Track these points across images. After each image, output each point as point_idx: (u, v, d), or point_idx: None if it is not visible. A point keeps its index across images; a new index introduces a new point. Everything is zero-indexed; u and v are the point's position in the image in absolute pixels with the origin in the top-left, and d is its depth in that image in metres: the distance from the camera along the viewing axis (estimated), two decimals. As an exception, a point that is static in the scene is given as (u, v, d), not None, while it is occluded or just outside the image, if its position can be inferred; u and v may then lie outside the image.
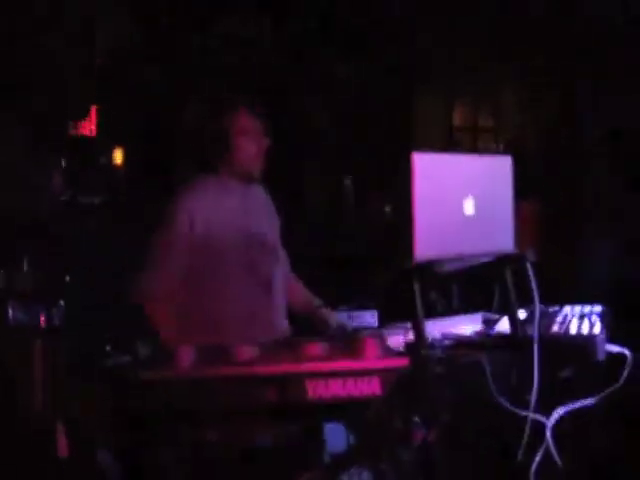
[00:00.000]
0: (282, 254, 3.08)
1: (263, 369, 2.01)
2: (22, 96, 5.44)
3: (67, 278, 4.29)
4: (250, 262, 2.86)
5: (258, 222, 2.94)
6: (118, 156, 6.26)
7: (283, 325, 2.97)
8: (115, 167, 6.21)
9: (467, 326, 2.59)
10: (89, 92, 5.86)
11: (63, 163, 5.75)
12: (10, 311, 3.84)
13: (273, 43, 5.69)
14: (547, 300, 2.43)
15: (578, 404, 2.38)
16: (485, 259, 2.37)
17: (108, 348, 3.43)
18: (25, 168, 5.61)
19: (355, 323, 3.27)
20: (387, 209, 5.07)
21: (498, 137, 5.87)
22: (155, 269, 2.82)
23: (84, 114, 5.80)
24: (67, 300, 3.99)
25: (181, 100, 5.87)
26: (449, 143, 5.53)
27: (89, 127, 5.99)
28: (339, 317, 3.12)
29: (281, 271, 3.00)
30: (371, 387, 1.99)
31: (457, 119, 6.01)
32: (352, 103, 5.68)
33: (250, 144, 2.88)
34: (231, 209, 2.87)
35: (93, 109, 6.10)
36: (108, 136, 6.07)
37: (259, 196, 3.02)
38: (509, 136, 5.76)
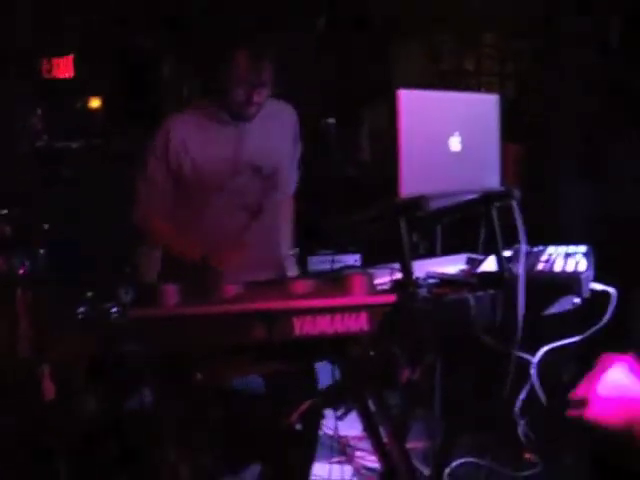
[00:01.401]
0: (288, 179, 3.05)
1: (249, 306, 2.00)
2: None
3: (46, 226, 4.24)
4: (236, 187, 2.85)
5: (255, 149, 2.89)
6: (95, 101, 6.16)
7: (276, 251, 2.97)
8: (92, 111, 6.12)
9: (451, 266, 2.59)
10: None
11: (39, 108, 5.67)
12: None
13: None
14: (531, 241, 2.42)
15: (562, 342, 2.39)
16: (472, 196, 2.36)
17: (90, 294, 3.41)
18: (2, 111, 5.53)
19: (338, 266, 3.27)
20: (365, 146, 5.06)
21: (480, 81, 5.86)
22: (143, 189, 2.89)
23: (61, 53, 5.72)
24: (47, 247, 3.95)
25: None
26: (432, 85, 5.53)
27: (66, 71, 5.89)
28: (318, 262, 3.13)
29: (278, 197, 2.98)
30: (359, 323, 1.98)
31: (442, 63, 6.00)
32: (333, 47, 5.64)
33: (240, 92, 2.79)
34: (217, 136, 2.85)
35: (70, 56, 6.00)
36: (85, 81, 5.98)
37: (267, 121, 2.94)
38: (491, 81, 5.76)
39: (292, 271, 3.06)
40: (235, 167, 2.85)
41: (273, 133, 2.95)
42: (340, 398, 2.14)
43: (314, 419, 2.14)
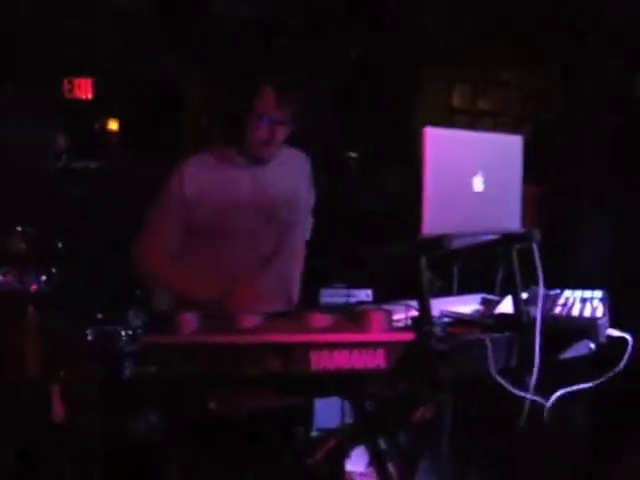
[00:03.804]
0: (303, 224, 3.04)
1: (267, 338, 1.99)
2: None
3: (60, 244, 4.24)
4: (251, 232, 2.83)
5: (271, 194, 2.87)
6: (113, 122, 6.20)
7: (286, 297, 2.95)
8: (110, 132, 6.16)
9: (465, 306, 2.58)
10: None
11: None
12: (1, 277, 3.79)
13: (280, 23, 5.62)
14: (547, 284, 2.42)
15: (578, 387, 2.37)
16: (492, 237, 2.35)
17: (100, 316, 3.41)
18: (28, 130, 5.56)
19: (350, 300, 3.26)
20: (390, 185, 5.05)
21: (497, 121, 5.88)
22: (150, 225, 2.85)
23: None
24: (59, 267, 3.96)
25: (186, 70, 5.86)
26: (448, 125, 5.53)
27: (86, 91, 5.93)
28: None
29: (292, 242, 2.97)
30: (376, 360, 1.97)
31: (457, 101, 6.01)
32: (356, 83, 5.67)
33: (262, 128, 2.75)
34: (234, 181, 2.82)
35: (89, 80, 6.05)
36: (104, 102, 6.02)
37: (282, 167, 2.92)
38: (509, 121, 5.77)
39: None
40: (251, 212, 2.83)
41: (288, 179, 2.93)
42: (359, 436, 2.13)
43: (340, 458, 2.12)
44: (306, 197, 3.03)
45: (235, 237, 2.83)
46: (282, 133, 2.79)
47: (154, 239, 2.83)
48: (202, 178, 2.79)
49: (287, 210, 2.92)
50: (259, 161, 2.83)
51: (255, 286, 2.81)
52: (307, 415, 2.60)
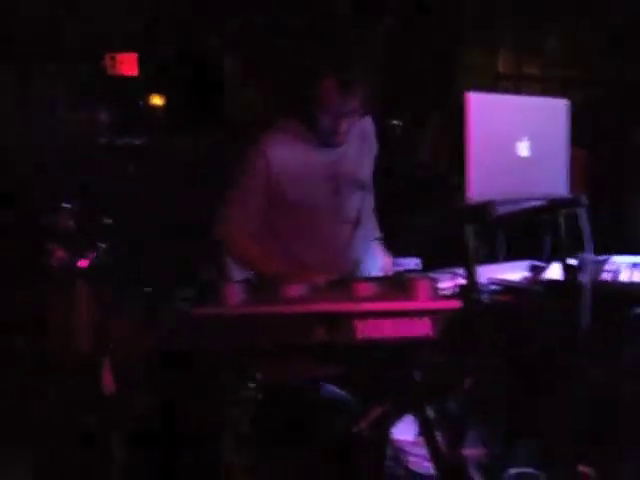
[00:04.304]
0: (371, 188, 3.05)
1: (312, 307, 1.99)
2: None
3: (108, 220, 4.29)
4: (338, 204, 2.84)
5: (350, 167, 2.86)
6: (158, 98, 6.21)
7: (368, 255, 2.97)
8: (155, 108, 6.17)
9: (513, 273, 2.55)
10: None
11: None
12: (52, 253, 3.85)
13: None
14: (595, 249, 2.38)
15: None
16: (539, 202, 2.32)
17: (149, 289, 3.44)
18: (68, 106, 5.61)
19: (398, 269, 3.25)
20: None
21: (544, 86, 5.78)
22: (235, 208, 2.79)
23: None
24: (108, 242, 4.01)
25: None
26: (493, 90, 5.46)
27: (130, 68, 5.94)
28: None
29: (368, 205, 2.98)
30: (423, 328, 1.96)
31: (501, 66, 5.94)
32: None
33: (327, 120, 2.71)
34: (314, 158, 2.80)
35: (133, 55, 6.05)
36: (148, 78, 6.02)
37: (356, 138, 2.87)
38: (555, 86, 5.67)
39: (384, 257, 3.05)
40: (336, 187, 2.82)
41: (362, 148, 2.92)
42: (407, 405, 2.13)
43: (385, 427, 2.13)
44: (373, 160, 3.02)
45: (324, 210, 2.83)
46: (348, 123, 2.75)
47: (243, 223, 2.79)
48: (284, 154, 2.77)
49: (364, 177, 2.91)
50: (330, 145, 2.82)
51: (351, 253, 2.84)
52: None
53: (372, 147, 3.01)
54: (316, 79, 2.69)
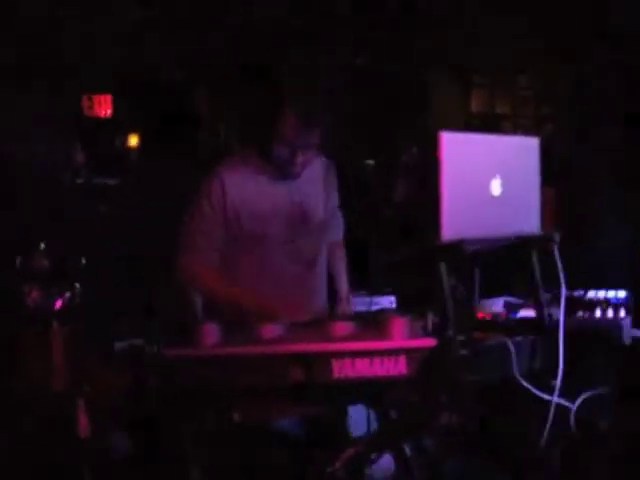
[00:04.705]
0: (334, 226, 3.05)
1: (289, 348, 1.99)
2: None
3: (83, 260, 4.28)
4: (293, 240, 2.83)
5: (305, 201, 2.86)
6: (133, 139, 6.23)
7: (320, 305, 2.95)
8: (129, 149, 6.19)
9: (489, 310, 2.57)
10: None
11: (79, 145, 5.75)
12: (27, 294, 3.83)
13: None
14: (569, 285, 2.40)
15: (602, 389, 2.36)
16: (512, 240, 2.35)
17: (124, 330, 3.43)
18: (44, 146, 5.60)
19: (374, 308, 3.26)
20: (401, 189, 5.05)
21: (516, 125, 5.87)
22: (196, 237, 2.79)
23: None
24: (83, 282, 3.99)
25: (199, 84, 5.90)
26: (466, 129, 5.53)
27: (105, 108, 5.97)
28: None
29: (325, 247, 2.97)
30: (398, 367, 1.97)
31: (474, 106, 6.01)
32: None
33: (284, 152, 2.72)
34: (271, 189, 2.80)
35: (108, 96, 6.08)
36: (123, 119, 6.05)
37: (311, 170, 2.88)
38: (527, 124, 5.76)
39: (350, 308, 3.04)
40: (291, 221, 2.82)
41: (314, 183, 2.91)
42: (383, 444, 2.13)
43: (360, 467, 2.12)
44: (324, 196, 3.01)
45: (278, 244, 2.82)
46: (306, 156, 2.76)
47: (201, 251, 2.78)
48: (242, 183, 2.78)
49: (319, 214, 2.91)
50: (286, 177, 2.82)
51: (302, 293, 2.83)
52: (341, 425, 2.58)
53: (332, 184, 3.00)
54: (277, 111, 2.70)
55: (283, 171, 2.79)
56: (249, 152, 2.85)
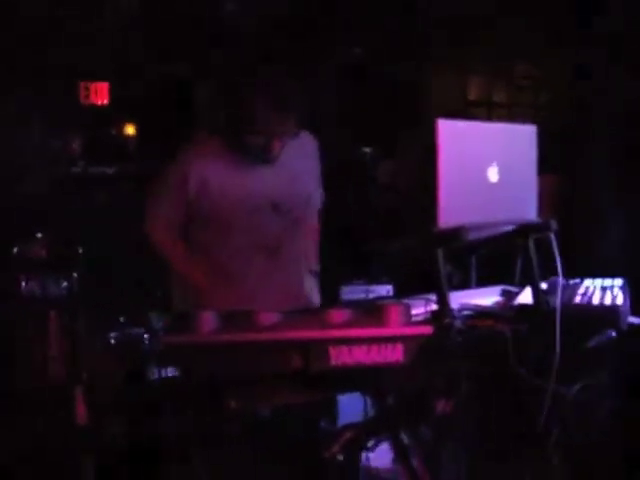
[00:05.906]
0: (312, 209, 3.02)
1: (286, 335, 1.99)
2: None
3: (80, 250, 4.27)
4: (254, 225, 2.81)
5: (274, 186, 2.83)
6: (130, 127, 6.21)
7: (297, 290, 2.93)
8: (127, 137, 6.17)
9: (485, 298, 2.57)
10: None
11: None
12: (24, 283, 3.83)
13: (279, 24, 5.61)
14: (566, 273, 2.41)
15: (599, 376, 2.36)
16: (509, 227, 2.35)
17: (122, 319, 3.43)
18: (40, 136, 5.59)
19: (371, 296, 3.26)
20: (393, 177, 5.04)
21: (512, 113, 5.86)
22: (156, 205, 2.89)
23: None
24: (80, 271, 3.99)
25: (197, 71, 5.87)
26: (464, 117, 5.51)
27: (102, 97, 5.95)
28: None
29: (298, 234, 2.96)
30: (394, 354, 1.97)
31: (472, 94, 6.01)
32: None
33: (259, 140, 2.70)
34: (237, 173, 2.78)
35: (105, 84, 6.06)
36: (120, 107, 6.03)
37: (286, 154, 2.82)
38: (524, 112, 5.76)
39: (314, 293, 3.02)
40: (254, 205, 2.80)
41: (294, 165, 2.86)
42: (379, 430, 2.13)
43: (356, 450, 2.12)
44: (315, 172, 2.98)
45: (239, 230, 2.81)
46: (282, 142, 2.74)
47: (160, 210, 2.86)
48: (205, 167, 2.77)
49: (291, 200, 2.87)
50: (261, 161, 2.80)
51: (260, 280, 2.82)
52: (330, 411, 2.60)
53: (311, 160, 2.97)
54: (250, 96, 2.68)
55: (258, 158, 2.77)
56: (219, 137, 2.83)
